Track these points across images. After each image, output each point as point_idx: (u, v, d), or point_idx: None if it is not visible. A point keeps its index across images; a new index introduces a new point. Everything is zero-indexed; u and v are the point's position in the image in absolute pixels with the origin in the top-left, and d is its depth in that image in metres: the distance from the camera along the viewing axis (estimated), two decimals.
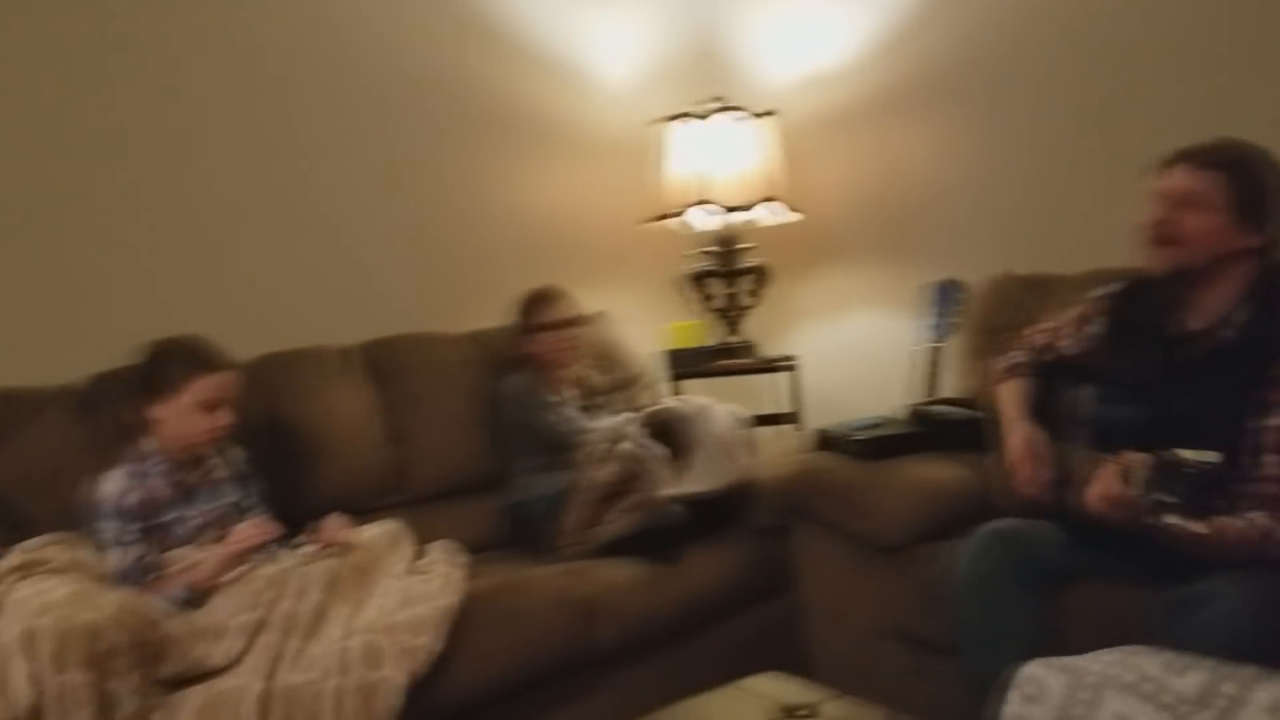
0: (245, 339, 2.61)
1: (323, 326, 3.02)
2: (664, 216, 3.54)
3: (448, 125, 3.42)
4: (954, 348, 3.00)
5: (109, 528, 2.24)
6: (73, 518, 2.27)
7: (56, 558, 1.99)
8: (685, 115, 3.54)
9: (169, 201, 2.92)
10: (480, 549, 2.74)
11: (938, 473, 2.53)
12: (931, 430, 2.65)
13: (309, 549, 2.32)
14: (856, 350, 3.69)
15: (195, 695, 1.97)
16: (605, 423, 2.94)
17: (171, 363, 2.33)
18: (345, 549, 2.31)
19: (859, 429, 2.67)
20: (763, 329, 3.75)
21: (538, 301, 3.16)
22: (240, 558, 2.24)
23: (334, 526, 2.39)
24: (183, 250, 2.94)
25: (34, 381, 2.51)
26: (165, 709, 1.93)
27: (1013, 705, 1.73)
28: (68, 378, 2.55)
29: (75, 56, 2.78)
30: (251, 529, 2.30)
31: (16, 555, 1.97)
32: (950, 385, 2.97)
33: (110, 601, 1.90)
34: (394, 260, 3.33)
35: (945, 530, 2.38)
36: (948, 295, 3.10)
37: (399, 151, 3.34)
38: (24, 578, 1.93)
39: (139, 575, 2.21)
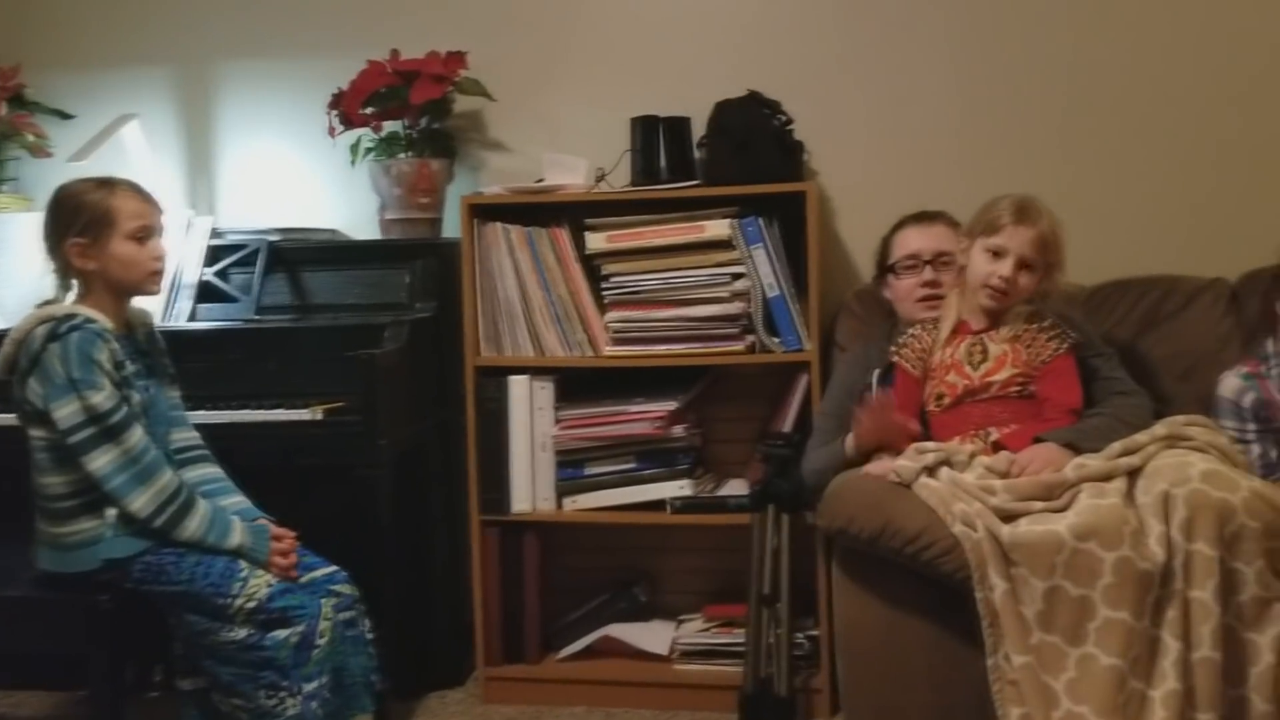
0: None
1: None
2: None
3: None
4: None
5: (1229, 426, 2.26)
6: (1208, 405, 2.33)
7: (1198, 437, 2.06)
8: None
9: None
10: None
11: None
12: None
13: None
14: None
15: None
16: None
17: None
18: None
19: None
20: None
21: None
22: None
23: None
24: None
25: (1190, 271, 2.62)
26: None
27: None
28: (1222, 271, 2.61)
29: None
30: None
31: (1163, 426, 2.09)
32: None
33: (1246, 487, 1.92)
34: None
35: None
36: None
37: None
38: (1167, 447, 2.04)
39: (1261, 470, 2.18)
